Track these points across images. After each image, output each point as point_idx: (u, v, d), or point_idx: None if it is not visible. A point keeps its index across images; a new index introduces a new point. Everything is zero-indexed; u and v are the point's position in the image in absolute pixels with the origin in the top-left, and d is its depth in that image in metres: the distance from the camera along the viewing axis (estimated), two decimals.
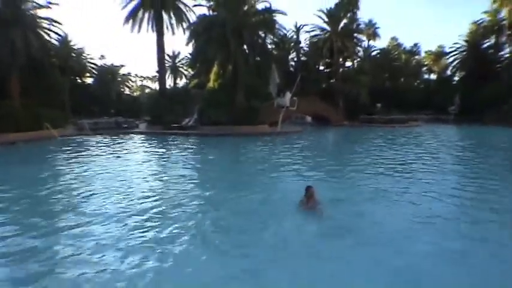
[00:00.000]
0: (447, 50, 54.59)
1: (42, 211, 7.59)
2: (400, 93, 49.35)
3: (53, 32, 29.11)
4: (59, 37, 31.00)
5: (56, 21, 28.76)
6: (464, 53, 49.75)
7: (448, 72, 55.67)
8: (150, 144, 22.64)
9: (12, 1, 25.14)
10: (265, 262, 5.08)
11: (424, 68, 61.97)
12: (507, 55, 46.85)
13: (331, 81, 45.73)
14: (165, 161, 16.01)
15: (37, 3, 27.33)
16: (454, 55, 52.02)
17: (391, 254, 5.36)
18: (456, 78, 53.21)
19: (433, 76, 61.71)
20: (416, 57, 60.99)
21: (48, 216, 7.15)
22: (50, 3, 27.50)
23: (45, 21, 28.19)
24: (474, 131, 31.75)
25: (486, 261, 5.22)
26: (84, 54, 40.06)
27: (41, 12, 28.02)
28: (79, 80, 40.55)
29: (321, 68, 49.29)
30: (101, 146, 19.90)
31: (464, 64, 49.96)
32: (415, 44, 60.85)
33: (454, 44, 51.01)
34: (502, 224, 6.91)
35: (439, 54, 58.81)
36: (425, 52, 61.34)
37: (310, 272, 4.77)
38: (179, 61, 61.64)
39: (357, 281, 4.57)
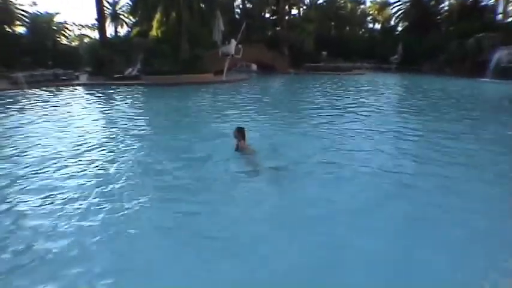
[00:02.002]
0: (391, 0, 55.71)
1: None
2: (345, 42, 50.16)
3: None
4: None
5: None
6: (408, 4, 51.05)
7: (392, 23, 57.16)
8: (90, 95, 21.77)
9: None
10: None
11: (369, 18, 63.07)
12: (446, 8, 48.82)
13: (277, 29, 45.56)
14: (106, 111, 15.53)
15: None
16: (397, 5, 53.38)
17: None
18: (399, 29, 54.90)
19: (377, 26, 63.06)
20: (362, 6, 61.72)
21: None
22: None
23: None
24: (413, 79, 33.72)
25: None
26: (10, 0, 36.60)
27: None
28: (8, 30, 37.24)
29: (267, 15, 48.77)
30: (38, 100, 18.80)
31: (407, 15, 51.41)
32: None
33: None
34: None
35: (384, 5, 59.86)
36: (371, 2, 62.27)
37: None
38: (120, 8, 57.84)
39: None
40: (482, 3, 43.70)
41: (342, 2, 57.26)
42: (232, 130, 7.43)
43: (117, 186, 5.94)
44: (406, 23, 52.61)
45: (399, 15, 53.57)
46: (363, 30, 60.93)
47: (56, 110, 15.30)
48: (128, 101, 18.96)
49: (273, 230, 4.54)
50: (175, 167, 6.98)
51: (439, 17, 48.86)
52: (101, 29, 34.29)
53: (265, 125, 10.93)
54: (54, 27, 41.59)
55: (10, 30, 37.34)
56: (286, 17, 45.31)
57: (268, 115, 13.11)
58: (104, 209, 5.06)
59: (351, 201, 5.39)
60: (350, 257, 3.93)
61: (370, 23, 63.73)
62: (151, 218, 4.90)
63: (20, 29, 39.68)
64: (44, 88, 24.53)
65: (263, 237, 4.36)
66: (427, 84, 27.43)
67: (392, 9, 55.91)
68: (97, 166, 7.04)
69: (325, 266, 3.80)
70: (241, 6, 49.79)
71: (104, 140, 9.45)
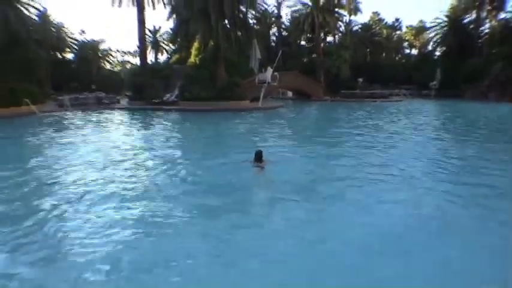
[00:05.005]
0: (428, 25, 55.02)
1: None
2: (381, 68, 49.76)
3: (33, 7, 28.78)
4: (39, 12, 30.51)
5: None
6: (445, 28, 50.15)
7: (429, 48, 56.25)
8: (130, 119, 22.76)
9: None
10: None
11: (406, 43, 62.42)
12: (487, 30, 47.36)
13: (313, 56, 45.93)
14: (145, 135, 16.05)
15: None
16: (435, 30, 52.52)
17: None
18: (437, 54, 53.85)
19: (414, 51, 62.31)
20: (398, 32, 61.22)
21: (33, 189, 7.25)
22: None
23: None
24: (455, 106, 32.34)
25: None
26: (63, 29, 39.38)
27: None
28: (59, 56, 39.93)
29: (303, 43, 49.47)
30: (81, 122, 19.88)
31: (445, 39, 50.38)
32: (397, 19, 60.93)
33: (435, 19, 51.47)
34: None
35: (420, 30, 59.08)
36: (407, 27, 61.65)
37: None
38: (160, 36, 60.64)
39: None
40: None
41: (378, 28, 57.17)
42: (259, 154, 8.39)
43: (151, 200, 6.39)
44: (444, 48, 51.60)
45: (437, 39, 52.67)
46: (400, 56, 60.39)
47: (97, 132, 16.07)
48: (165, 125, 19.56)
49: None
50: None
51: (479, 40, 47.39)
52: (142, 55, 35.80)
53: (301, 153, 10.82)
54: (99, 54, 43.97)
55: (61, 57, 40.01)
56: (322, 44, 45.61)
57: (304, 143, 12.94)
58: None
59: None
60: None
61: (407, 48, 63.11)
62: None
63: (69, 55, 42.49)
64: (87, 111, 25.82)
65: None
66: (473, 112, 26.43)
67: (429, 33, 55.08)
68: (134, 188, 7.16)
69: None
70: (277, 34, 50.93)
71: (141, 162, 9.77)
